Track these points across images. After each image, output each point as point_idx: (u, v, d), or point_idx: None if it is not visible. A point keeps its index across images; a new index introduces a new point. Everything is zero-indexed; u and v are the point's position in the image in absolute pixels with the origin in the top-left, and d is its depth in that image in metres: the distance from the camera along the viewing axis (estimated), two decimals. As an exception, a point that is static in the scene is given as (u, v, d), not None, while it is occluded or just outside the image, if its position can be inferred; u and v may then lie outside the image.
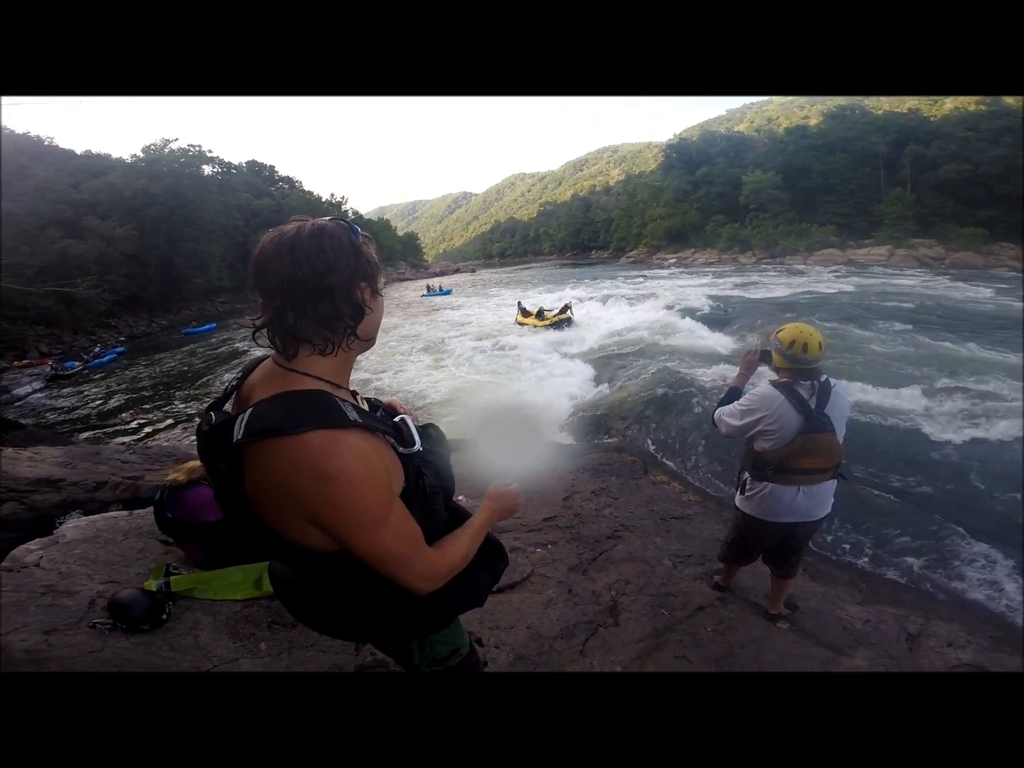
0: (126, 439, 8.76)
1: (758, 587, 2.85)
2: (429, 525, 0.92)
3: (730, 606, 2.70)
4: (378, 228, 69.98)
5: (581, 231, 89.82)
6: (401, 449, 0.88)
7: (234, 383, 0.92)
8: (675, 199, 60.60)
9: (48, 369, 16.31)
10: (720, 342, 11.19)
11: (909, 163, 42.96)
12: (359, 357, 0.94)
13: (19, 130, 33.97)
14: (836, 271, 31.83)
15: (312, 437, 0.73)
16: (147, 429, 9.71)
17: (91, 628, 1.98)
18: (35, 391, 14.45)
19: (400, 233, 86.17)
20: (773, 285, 23.83)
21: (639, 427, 6.60)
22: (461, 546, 0.97)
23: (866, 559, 3.82)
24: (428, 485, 0.91)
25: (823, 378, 2.11)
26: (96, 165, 34.39)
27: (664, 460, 5.63)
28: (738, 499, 2.37)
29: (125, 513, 2.93)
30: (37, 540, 2.53)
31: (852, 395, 2.51)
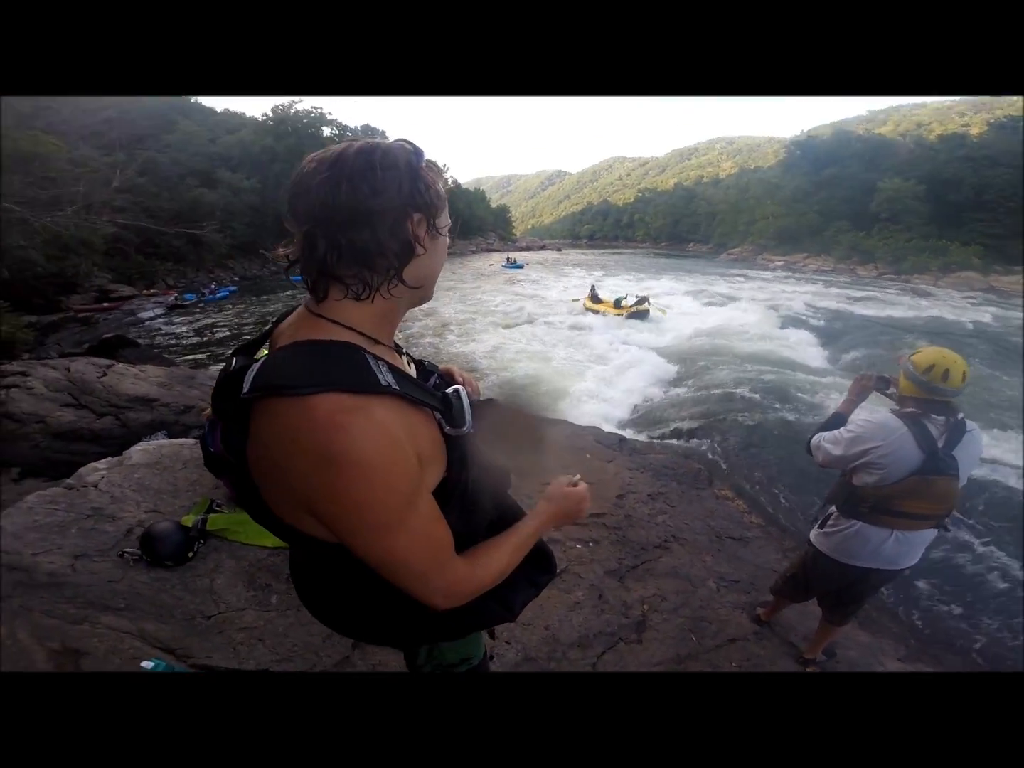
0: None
1: (801, 627, 2.60)
2: (467, 528, 0.75)
3: (764, 643, 2.47)
4: (473, 198, 71.70)
5: (680, 222, 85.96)
6: (448, 429, 0.69)
7: (268, 327, 0.77)
8: (793, 198, 56.37)
9: (171, 299, 18.40)
10: (820, 357, 10.22)
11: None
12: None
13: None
14: (972, 298, 27.99)
15: (321, 401, 0.56)
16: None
17: (119, 557, 2.05)
18: (156, 316, 16.40)
19: (493, 205, 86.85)
20: (893, 304, 21.29)
21: (712, 435, 6.15)
22: (500, 559, 0.77)
23: (927, 620, 3.53)
24: (473, 479, 0.72)
25: (959, 416, 1.77)
26: (231, 122, 38.39)
27: (733, 473, 5.22)
28: (814, 533, 2.12)
29: (192, 441, 3.07)
30: (106, 460, 2.70)
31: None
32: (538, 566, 0.94)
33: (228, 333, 13.70)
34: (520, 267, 33.80)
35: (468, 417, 0.71)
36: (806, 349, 10.75)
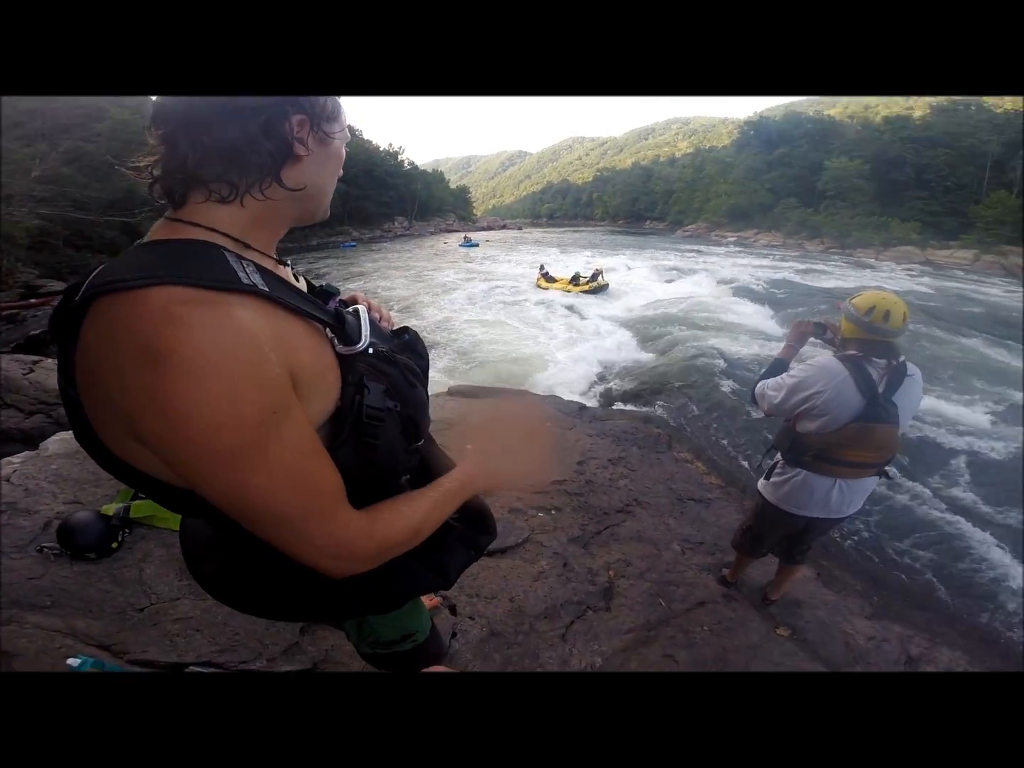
0: None
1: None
2: (368, 473, 0.62)
3: (733, 604, 2.49)
4: (431, 179, 70.47)
5: (638, 200, 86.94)
6: (339, 347, 0.59)
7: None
8: (745, 177, 58.29)
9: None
10: (770, 323, 10.59)
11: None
12: None
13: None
14: (911, 270, 29.56)
15: (157, 293, 0.45)
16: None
17: (38, 552, 1.91)
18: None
19: (453, 186, 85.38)
20: (839, 275, 22.31)
21: (670, 399, 6.28)
22: (412, 515, 0.64)
23: (890, 566, 3.70)
24: (367, 405, 0.59)
25: (900, 359, 1.77)
26: None
27: (692, 436, 5.32)
28: (761, 483, 2.14)
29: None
30: (22, 453, 2.49)
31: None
32: (475, 526, 0.83)
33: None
34: (476, 245, 34.65)
35: (366, 333, 0.63)
36: (756, 317, 11.11)
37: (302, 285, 0.70)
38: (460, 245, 34.96)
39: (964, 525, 4.09)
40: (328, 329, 0.60)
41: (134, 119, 29.21)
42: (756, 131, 64.83)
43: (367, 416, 0.59)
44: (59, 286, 18.09)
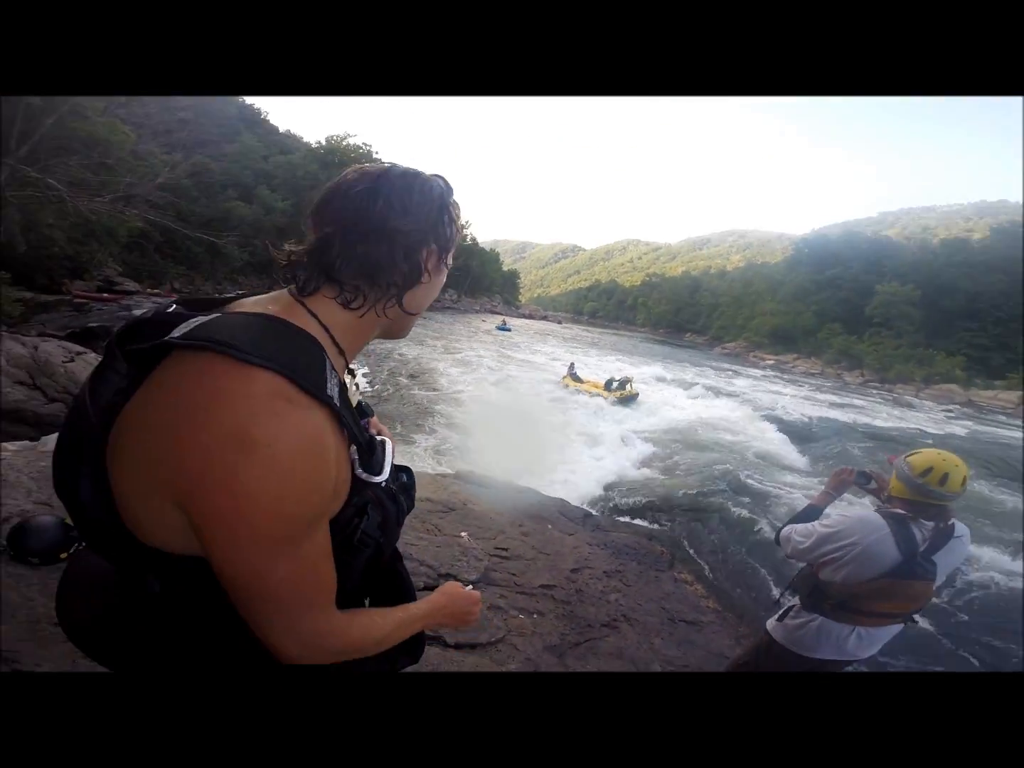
0: None
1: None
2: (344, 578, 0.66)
3: None
4: (487, 258, 74.59)
5: (682, 311, 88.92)
6: (360, 471, 0.62)
7: (226, 295, 0.70)
8: (794, 296, 58.07)
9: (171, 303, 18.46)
10: (795, 458, 10.29)
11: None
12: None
13: (249, 99, 40.73)
14: (949, 411, 28.91)
15: (268, 378, 0.49)
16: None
17: None
18: (149, 316, 16.37)
19: (505, 268, 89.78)
20: (873, 412, 21.94)
21: (679, 519, 6.09)
22: (382, 627, 0.68)
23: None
24: (363, 531, 0.64)
25: (950, 521, 1.68)
26: (288, 144, 40.54)
27: (696, 558, 5.13)
28: (772, 623, 2.02)
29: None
30: (21, 442, 2.56)
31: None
32: (404, 647, 0.80)
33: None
34: (509, 330, 37.22)
35: (387, 469, 0.66)
36: (783, 449, 10.84)
37: (355, 396, 0.76)
38: (496, 328, 37.31)
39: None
40: (356, 449, 0.62)
41: (258, 147, 33.44)
42: (811, 248, 64.43)
43: (358, 540, 0.63)
44: (133, 286, 19.48)
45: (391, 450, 0.70)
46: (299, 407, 0.50)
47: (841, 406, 22.39)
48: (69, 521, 2.01)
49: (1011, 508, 8.60)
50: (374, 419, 0.87)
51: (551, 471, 6.84)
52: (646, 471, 8.05)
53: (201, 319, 0.53)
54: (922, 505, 1.68)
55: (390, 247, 0.61)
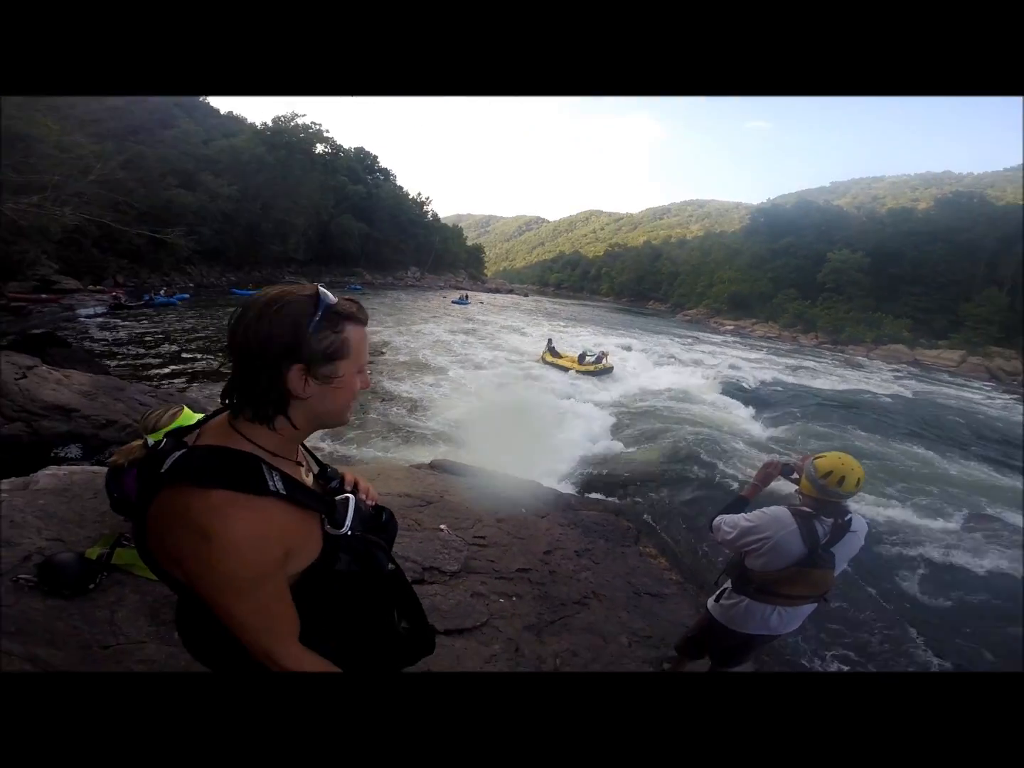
0: (152, 382, 9.00)
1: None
2: (334, 606, 0.90)
3: None
4: (450, 234, 72.36)
5: (644, 279, 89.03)
6: (328, 527, 0.86)
7: (203, 419, 0.92)
8: (750, 264, 58.70)
9: (117, 298, 17.41)
10: (753, 425, 10.79)
11: (1018, 263, 38.46)
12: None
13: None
14: (898, 370, 30.43)
15: (215, 494, 0.72)
16: (175, 379, 10.08)
17: (12, 582, 1.98)
18: (96, 315, 15.44)
19: (469, 243, 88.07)
20: (827, 375, 22.91)
21: (645, 492, 6.39)
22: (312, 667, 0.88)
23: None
24: (337, 570, 0.87)
25: (847, 517, 1.98)
26: (230, 126, 37.63)
27: (661, 531, 5.43)
28: (711, 603, 2.37)
29: (106, 469, 2.97)
30: (10, 480, 2.56)
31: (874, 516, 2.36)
32: (421, 643, 1.10)
33: (167, 344, 12.91)
34: (467, 304, 36.14)
35: (348, 522, 0.89)
36: (740, 415, 11.37)
37: (309, 478, 0.95)
38: (453, 301, 36.43)
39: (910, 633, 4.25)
40: (322, 515, 0.86)
41: (197, 131, 30.84)
42: (766, 217, 64.46)
43: (337, 573, 0.87)
44: (73, 284, 18.16)
45: (352, 505, 0.92)
46: (240, 507, 0.72)
47: (796, 368, 23.39)
48: (88, 554, 2.15)
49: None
50: (347, 475, 1.06)
51: (520, 453, 7.04)
52: (614, 444, 8.32)
53: (179, 454, 0.77)
54: (823, 502, 1.96)
55: (256, 378, 0.76)
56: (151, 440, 2.21)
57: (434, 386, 11.46)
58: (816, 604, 2.16)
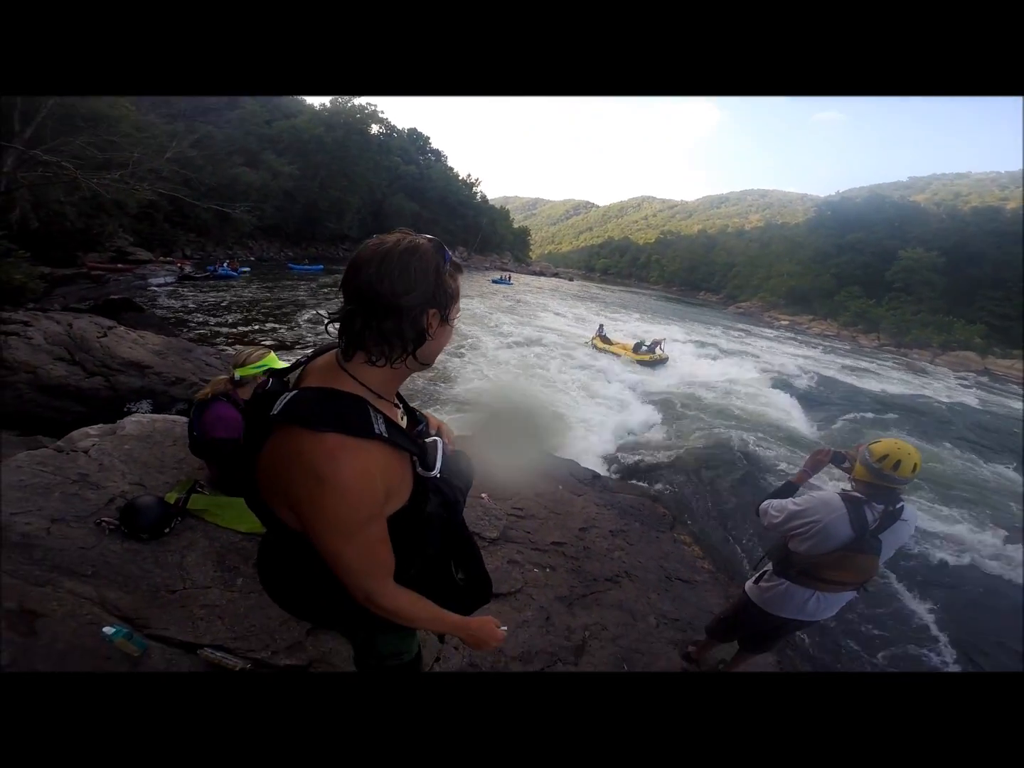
0: (218, 346, 9.48)
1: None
2: (416, 549, 0.96)
3: None
4: (497, 216, 72.03)
5: (696, 269, 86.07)
6: (419, 470, 0.90)
7: (303, 359, 0.96)
8: (812, 258, 55.52)
9: (183, 269, 18.53)
10: (802, 423, 10.40)
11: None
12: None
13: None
14: (964, 379, 28.14)
15: (329, 437, 0.76)
16: (238, 344, 10.62)
17: (96, 525, 2.08)
18: (166, 284, 16.54)
19: (516, 226, 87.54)
20: (886, 378, 21.60)
21: (684, 481, 6.31)
22: (416, 612, 0.95)
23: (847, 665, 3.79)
24: (428, 511, 0.92)
25: (899, 504, 1.93)
26: (292, 107, 38.94)
27: (696, 520, 5.40)
28: (749, 585, 2.34)
29: (185, 419, 3.18)
30: (99, 426, 2.74)
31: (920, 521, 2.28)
32: (475, 594, 1.18)
33: (231, 312, 13.73)
34: (509, 284, 37.27)
35: (439, 463, 0.92)
36: (790, 413, 10.93)
37: (404, 420, 0.99)
38: (492, 281, 37.31)
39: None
40: (415, 457, 0.90)
41: (261, 111, 32.46)
42: (834, 211, 60.32)
43: (425, 516, 0.92)
44: (146, 255, 19.51)
45: (441, 447, 0.95)
46: (351, 450, 0.76)
47: (852, 369, 22.11)
48: (166, 498, 2.29)
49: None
50: (431, 419, 1.11)
51: (566, 432, 7.06)
52: (656, 432, 8.25)
53: (288, 396, 0.80)
54: (877, 487, 1.92)
55: (398, 321, 0.79)
56: (238, 375, 2.36)
57: (471, 363, 11.59)
58: (855, 593, 2.11)
